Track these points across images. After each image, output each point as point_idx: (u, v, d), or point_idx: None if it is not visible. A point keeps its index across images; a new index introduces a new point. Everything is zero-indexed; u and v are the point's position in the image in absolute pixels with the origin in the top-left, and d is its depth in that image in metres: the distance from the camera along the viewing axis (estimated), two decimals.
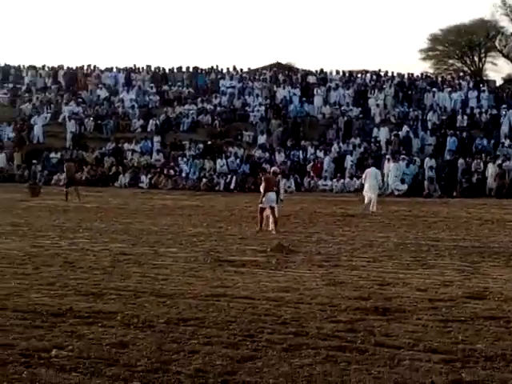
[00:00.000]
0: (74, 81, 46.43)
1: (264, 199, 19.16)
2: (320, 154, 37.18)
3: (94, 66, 47.75)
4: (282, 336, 7.82)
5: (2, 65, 48.36)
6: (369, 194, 24.80)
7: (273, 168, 20.57)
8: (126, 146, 39.78)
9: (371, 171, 25.72)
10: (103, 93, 44.65)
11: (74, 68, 47.66)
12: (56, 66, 47.99)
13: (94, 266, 12.85)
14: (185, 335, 7.83)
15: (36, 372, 6.47)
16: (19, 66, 48.35)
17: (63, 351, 7.13)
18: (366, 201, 24.75)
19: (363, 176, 25.83)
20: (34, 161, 37.30)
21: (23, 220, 20.96)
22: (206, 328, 8.17)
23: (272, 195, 19.22)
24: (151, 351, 7.15)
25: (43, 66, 48.00)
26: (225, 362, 6.81)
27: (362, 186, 25.75)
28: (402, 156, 35.09)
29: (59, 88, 45.82)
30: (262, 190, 19.35)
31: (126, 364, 6.74)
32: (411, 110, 40.64)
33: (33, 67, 47.80)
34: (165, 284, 11.13)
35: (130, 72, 46.76)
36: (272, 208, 19.07)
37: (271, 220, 19.11)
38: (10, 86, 45.98)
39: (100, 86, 45.35)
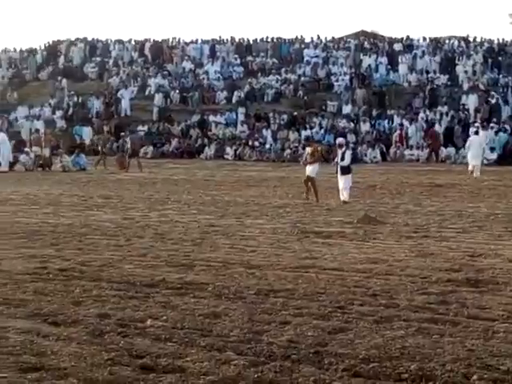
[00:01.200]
0: (160, 53, 46.93)
1: (317, 170, 19.39)
2: (406, 122, 36.62)
3: (179, 39, 48.19)
4: (373, 308, 7.80)
5: (90, 39, 49.28)
6: (473, 161, 25.53)
7: (339, 139, 20.37)
8: (211, 117, 40.11)
9: (475, 139, 26.02)
10: (188, 65, 45.02)
11: (160, 41, 48.15)
12: (142, 39, 48.63)
13: (183, 238, 13.06)
14: (275, 306, 7.89)
15: (132, 341, 6.64)
16: (106, 41, 49.18)
17: (158, 321, 7.30)
18: (469, 168, 25.51)
19: (467, 144, 26.44)
20: (122, 133, 38.00)
21: (113, 192, 21.45)
22: (296, 299, 8.21)
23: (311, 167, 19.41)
24: (243, 322, 7.25)
25: (129, 40, 48.70)
26: (316, 333, 6.85)
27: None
28: (492, 124, 34.22)
29: (145, 61, 46.42)
30: (313, 160, 19.46)
31: (219, 334, 6.85)
32: (501, 76, 39.53)
33: (119, 41, 48.56)
34: (253, 255, 11.22)
35: (214, 44, 46.95)
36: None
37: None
38: (98, 60, 46.85)
39: (185, 58, 45.71)
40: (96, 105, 42.58)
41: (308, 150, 20.24)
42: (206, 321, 7.32)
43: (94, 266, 10.34)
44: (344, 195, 18.61)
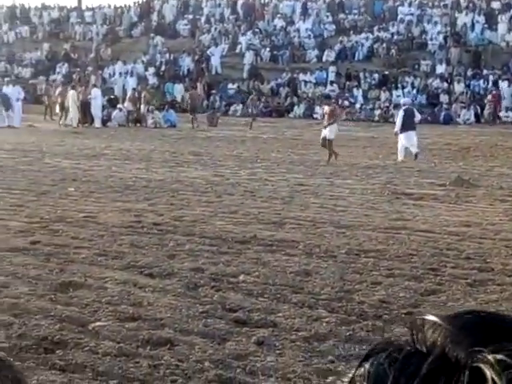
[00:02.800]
0: (252, 11, 46.76)
1: (335, 131, 18.95)
2: (502, 84, 35.54)
3: None
4: (466, 271, 7.72)
5: None
6: None
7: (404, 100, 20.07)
8: (300, 76, 39.85)
9: None
10: (280, 22, 44.75)
11: None
12: None
13: (273, 196, 13.14)
14: (366, 266, 7.90)
15: (225, 296, 6.78)
16: None
17: (250, 277, 7.42)
18: None
19: None
20: (213, 91, 38.24)
21: (203, 150, 21.68)
22: (388, 260, 8.20)
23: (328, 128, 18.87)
24: (334, 280, 7.29)
25: None
26: (408, 294, 6.83)
27: None
28: None
29: (237, 18, 46.37)
30: (331, 121, 18.93)
31: (310, 292, 6.92)
32: None
33: None
34: (343, 215, 11.21)
35: (306, 1, 46.45)
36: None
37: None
38: (190, 17, 47.07)
39: (277, 15, 45.44)
40: (187, 62, 42.88)
41: (326, 109, 19.56)
42: (297, 278, 7.40)
43: (186, 221, 10.54)
44: (415, 149, 18.74)
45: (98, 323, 5.94)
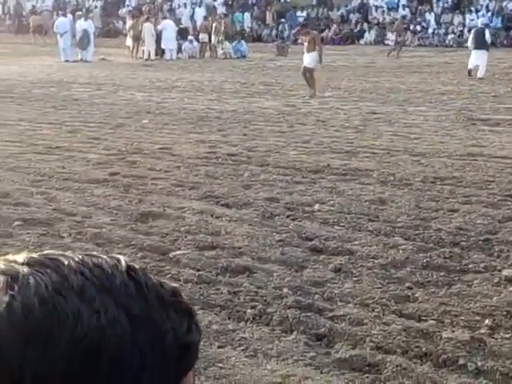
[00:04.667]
0: None
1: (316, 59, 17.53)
2: None
3: None
4: None
5: None
6: None
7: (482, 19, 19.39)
8: (371, 1, 38.99)
9: None
10: None
11: None
12: None
13: (345, 125, 13.06)
14: (442, 194, 7.85)
15: (301, 224, 6.85)
16: None
17: (325, 206, 7.46)
18: None
19: None
20: (282, 20, 37.77)
21: (274, 80, 21.57)
22: (464, 187, 8.12)
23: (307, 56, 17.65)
24: (410, 208, 7.28)
25: None
26: (485, 221, 6.78)
27: None
28: None
29: None
30: (317, 48, 17.50)
31: (385, 220, 6.93)
32: None
33: None
34: (417, 143, 11.09)
35: None
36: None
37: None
38: None
39: None
40: None
41: (305, 38, 18.09)
42: (373, 206, 7.41)
43: (259, 151, 10.60)
44: (481, 72, 18.24)
45: (178, 252, 6.10)
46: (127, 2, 43.79)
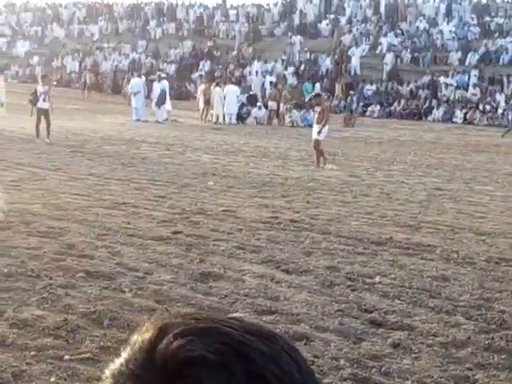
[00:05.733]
0: (394, 12, 46.23)
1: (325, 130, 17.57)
2: None
3: None
4: None
5: None
6: None
7: None
8: (441, 79, 39.03)
9: None
10: (422, 24, 44.01)
11: None
12: None
13: (409, 199, 13.00)
14: (507, 275, 7.71)
15: (361, 296, 6.79)
16: None
17: (386, 278, 7.40)
18: None
19: None
20: (351, 92, 38.10)
21: (339, 150, 21.67)
22: None
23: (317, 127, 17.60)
24: (473, 287, 7.16)
25: None
26: None
27: None
28: None
29: (379, 19, 45.96)
30: (322, 121, 17.51)
31: (447, 297, 6.83)
32: None
33: None
34: (483, 222, 10.95)
35: (451, 2, 45.47)
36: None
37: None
38: (332, 17, 47.08)
39: (420, 17, 44.71)
40: (327, 62, 42.93)
41: (317, 109, 18.16)
42: (435, 283, 7.31)
43: (322, 219, 10.61)
44: None
45: (236, 314, 6.10)
46: (200, 67, 44.81)
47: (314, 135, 17.74)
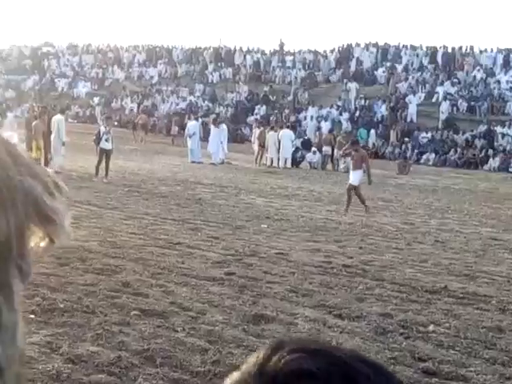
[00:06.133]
0: (452, 61, 46.17)
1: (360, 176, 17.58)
2: None
3: (472, 47, 47.05)
4: None
5: (382, 44, 49.83)
6: None
7: None
8: (498, 128, 38.70)
9: None
10: (479, 74, 43.84)
11: (452, 48, 47.38)
12: (434, 45, 48.18)
13: (464, 248, 12.85)
14: None
15: (414, 344, 6.73)
16: (398, 46, 49.40)
17: (440, 327, 7.32)
18: None
19: None
20: (406, 139, 38.01)
21: (393, 196, 21.58)
22: None
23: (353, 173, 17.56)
24: None
25: (421, 46, 48.50)
26: None
27: None
28: None
29: (435, 68, 45.94)
30: (358, 166, 17.56)
31: (503, 349, 6.72)
32: None
33: (411, 47, 48.54)
34: None
35: (508, 53, 45.23)
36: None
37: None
38: (388, 64, 47.24)
39: (477, 67, 44.56)
40: (382, 109, 42.97)
41: (354, 155, 18.03)
42: (490, 334, 7.20)
43: (375, 265, 10.56)
44: None
45: None
46: (256, 111, 45.25)
47: (350, 181, 17.72)
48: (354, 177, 17.62)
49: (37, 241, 0.58)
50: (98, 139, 20.49)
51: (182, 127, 37.56)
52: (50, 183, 0.58)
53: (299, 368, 0.71)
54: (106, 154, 20.16)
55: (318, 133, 38.21)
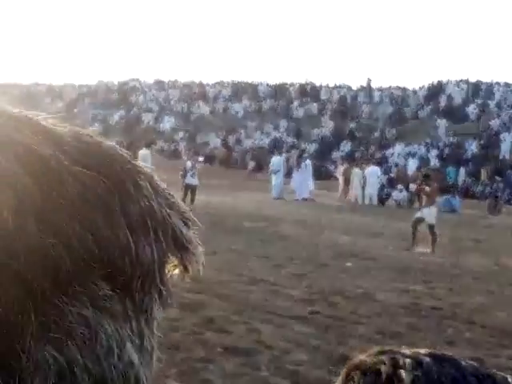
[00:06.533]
0: None
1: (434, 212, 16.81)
2: None
3: None
4: None
5: (474, 80, 49.14)
6: None
7: None
8: None
9: None
10: None
11: None
12: None
13: None
14: None
15: None
16: (491, 82, 48.61)
17: None
18: None
19: None
20: (497, 178, 37.10)
21: (484, 237, 20.98)
22: None
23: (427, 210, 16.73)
24: None
25: None
26: None
27: None
28: None
29: None
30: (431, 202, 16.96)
31: None
32: None
33: (506, 84, 47.67)
34: None
35: None
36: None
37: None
38: (479, 101, 46.46)
39: None
40: (472, 146, 42.15)
41: (427, 191, 17.30)
42: None
43: (465, 308, 10.20)
44: None
45: None
46: (341, 147, 45.10)
47: (426, 218, 17.28)
48: (429, 214, 17.21)
49: (171, 269, 0.60)
50: (185, 174, 20.72)
51: (261, 162, 37.74)
52: (185, 214, 0.61)
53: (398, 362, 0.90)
54: (191, 190, 20.36)
55: (405, 170, 37.78)
